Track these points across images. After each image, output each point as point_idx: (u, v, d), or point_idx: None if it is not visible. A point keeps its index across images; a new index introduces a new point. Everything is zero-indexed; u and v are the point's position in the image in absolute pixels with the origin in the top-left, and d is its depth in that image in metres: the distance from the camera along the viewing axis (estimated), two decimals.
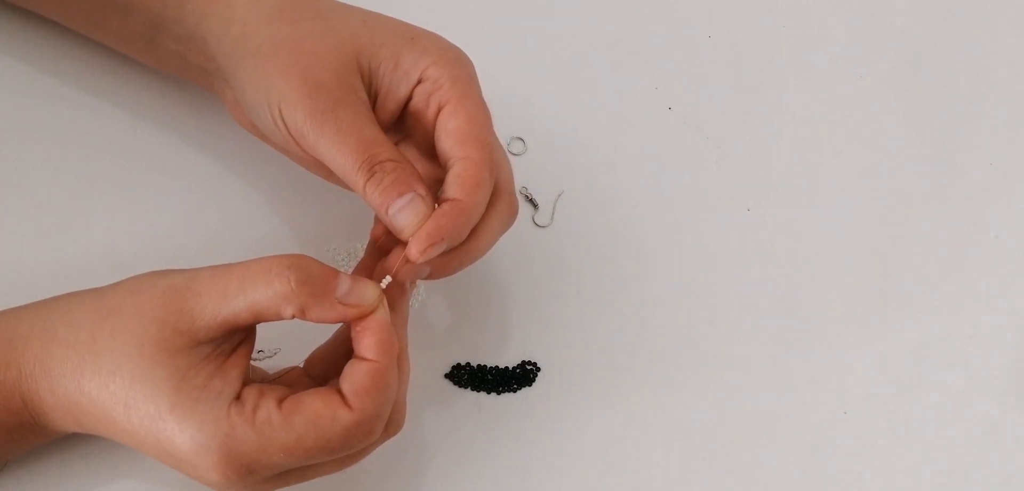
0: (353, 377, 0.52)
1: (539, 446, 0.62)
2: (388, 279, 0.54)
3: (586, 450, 0.62)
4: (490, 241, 0.57)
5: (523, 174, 0.67)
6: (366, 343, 0.52)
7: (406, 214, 0.54)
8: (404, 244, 0.54)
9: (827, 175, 0.72)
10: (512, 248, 0.67)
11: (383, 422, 0.53)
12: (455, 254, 0.56)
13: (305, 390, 0.52)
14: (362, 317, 0.52)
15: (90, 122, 0.67)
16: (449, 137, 0.56)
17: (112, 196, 0.65)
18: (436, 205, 0.55)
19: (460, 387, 0.63)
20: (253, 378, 0.53)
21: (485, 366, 0.63)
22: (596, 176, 0.70)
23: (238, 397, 0.51)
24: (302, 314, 0.51)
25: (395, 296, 0.54)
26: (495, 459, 0.61)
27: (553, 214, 0.69)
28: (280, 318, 0.51)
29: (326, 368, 0.56)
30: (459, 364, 0.63)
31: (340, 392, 0.51)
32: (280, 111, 0.55)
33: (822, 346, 0.67)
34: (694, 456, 0.63)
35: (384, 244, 0.57)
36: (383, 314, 0.53)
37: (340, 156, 0.55)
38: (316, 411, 0.51)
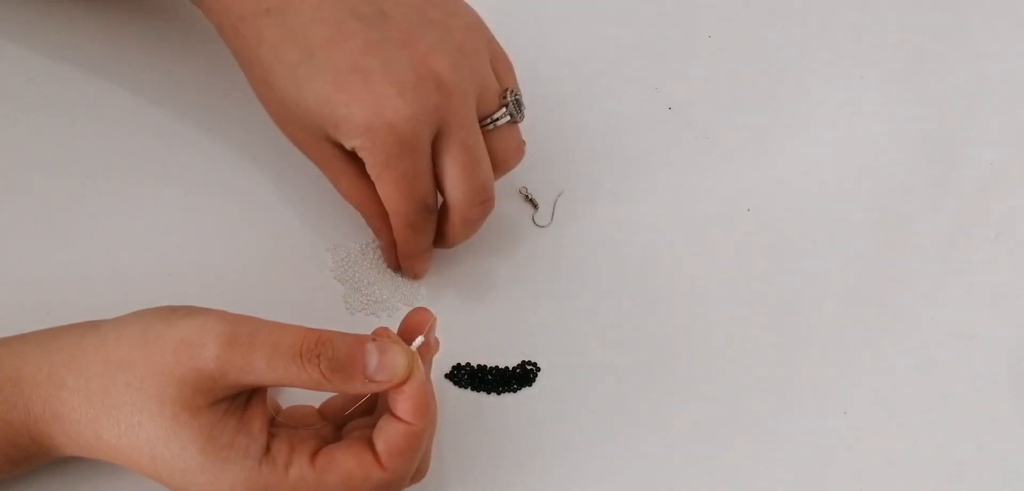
0: (388, 437, 0.51)
1: (539, 446, 0.62)
2: (420, 339, 0.53)
3: (586, 450, 0.62)
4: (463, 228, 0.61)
5: (523, 174, 0.67)
6: (403, 407, 0.51)
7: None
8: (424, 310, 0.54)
9: (827, 175, 0.72)
10: (512, 248, 0.67)
11: (411, 474, 0.53)
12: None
13: (335, 444, 0.52)
14: (394, 388, 0.51)
15: (88, 123, 0.67)
16: None
17: (110, 197, 0.65)
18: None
19: (460, 387, 0.63)
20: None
21: (485, 366, 0.63)
22: (596, 176, 0.70)
23: (268, 451, 0.50)
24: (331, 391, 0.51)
25: (423, 351, 0.53)
26: (495, 459, 0.61)
27: (553, 214, 0.69)
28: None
29: (339, 414, 0.55)
30: (459, 364, 0.63)
31: (372, 448, 0.51)
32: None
33: (822, 346, 0.67)
34: (694, 456, 0.63)
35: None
36: (419, 377, 0.51)
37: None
38: (349, 471, 0.50)
